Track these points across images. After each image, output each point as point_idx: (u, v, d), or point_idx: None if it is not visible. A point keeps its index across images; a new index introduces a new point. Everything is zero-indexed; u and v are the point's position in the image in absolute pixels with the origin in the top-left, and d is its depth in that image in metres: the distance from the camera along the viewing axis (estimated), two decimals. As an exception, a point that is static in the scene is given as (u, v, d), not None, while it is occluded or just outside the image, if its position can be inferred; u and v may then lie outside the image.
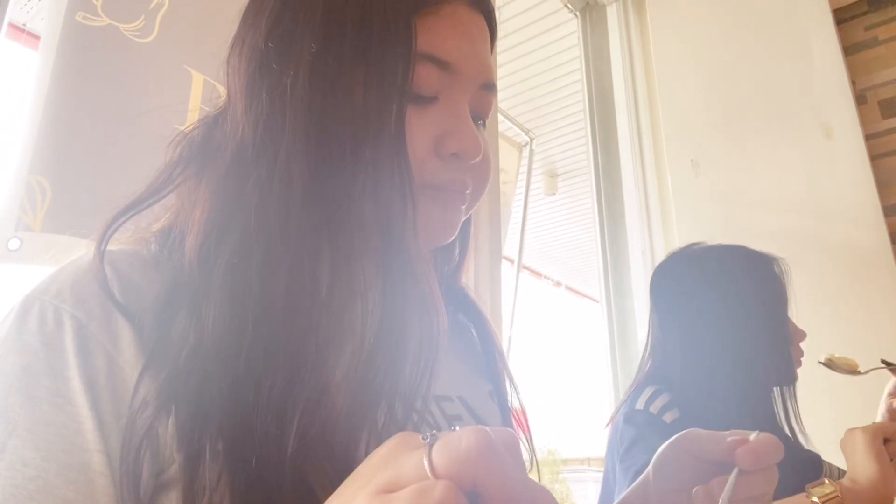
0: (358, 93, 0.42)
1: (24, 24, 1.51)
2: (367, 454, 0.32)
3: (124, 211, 0.44)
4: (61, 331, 0.36)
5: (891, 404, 0.96)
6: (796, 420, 1.06)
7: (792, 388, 1.06)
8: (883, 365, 0.98)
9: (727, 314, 1.05)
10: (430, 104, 0.45)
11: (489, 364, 0.59)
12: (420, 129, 0.44)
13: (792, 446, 1.03)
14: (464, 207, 0.48)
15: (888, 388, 0.99)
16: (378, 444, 0.31)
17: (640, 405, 1.02)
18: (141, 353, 0.37)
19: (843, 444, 0.83)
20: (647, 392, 1.04)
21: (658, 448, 0.83)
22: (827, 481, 0.76)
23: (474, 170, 0.48)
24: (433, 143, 0.45)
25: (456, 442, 0.23)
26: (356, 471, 0.27)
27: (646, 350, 1.16)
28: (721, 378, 1.01)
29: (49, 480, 0.33)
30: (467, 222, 0.55)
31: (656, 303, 1.15)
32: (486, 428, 0.23)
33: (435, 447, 0.23)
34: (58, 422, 0.35)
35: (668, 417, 0.99)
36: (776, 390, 1.06)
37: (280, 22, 0.44)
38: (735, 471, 0.42)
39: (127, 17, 0.93)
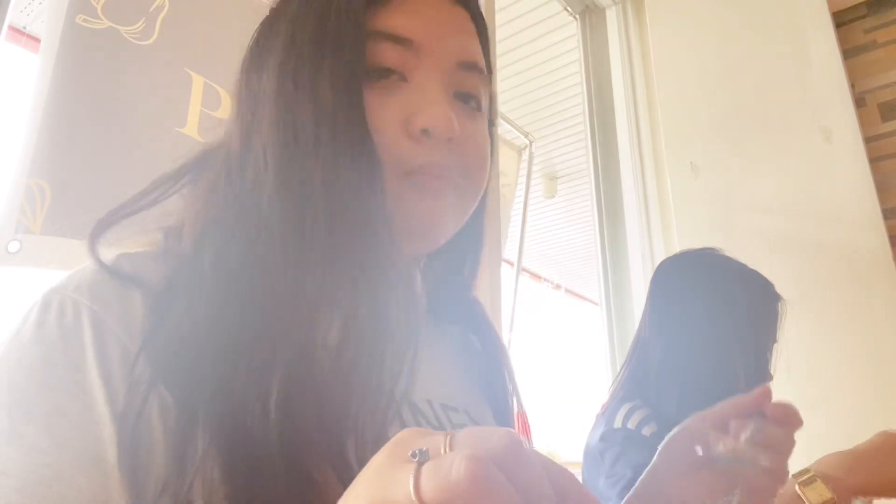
0: (317, 82, 0.43)
1: (25, 27, 1.51)
2: (353, 437, 0.35)
3: (115, 212, 0.46)
4: (79, 323, 0.37)
5: None
6: None
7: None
8: None
9: (718, 333, 1.03)
10: (397, 87, 0.45)
11: (494, 387, 0.58)
12: (386, 110, 0.44)
13: None
14: (452, 195, 0.46)
15: None
16: (361, 435, 0.35)
17: (617, 423, 1.01)
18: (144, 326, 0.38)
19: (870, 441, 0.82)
20: (624, 409, 1.03)
21: (639, 461, 0.84)
22: (818, 480, 0.75)
23: (459, 151, 0.45)
24: (402, 124, 0.44)
25: (446, 469, 0.21)
26: (351, 486, 0.26)
27: (632, 346, 1.15)
28: (695, 393, 1.00)
29: (63, 469, 0.33)
30: (475, 226, 0.53)
31: (655, 301, 1.13)
32: (485, 441, 0.22)
33: (424, 470, 0.22)
34: (74, 411, 0.35)
35: (646, 431, 0.99)
36: None
37: (260, 38, 0.49)
38: (756, 417, 0.42)
39: (127, 19, 0.93)
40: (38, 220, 0.80)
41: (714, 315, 1.04)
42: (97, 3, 0.91)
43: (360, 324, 0.39)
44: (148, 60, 0.94)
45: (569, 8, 2.32)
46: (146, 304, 0.40)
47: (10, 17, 0.89)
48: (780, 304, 1.08)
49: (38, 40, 0.89)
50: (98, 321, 0.38)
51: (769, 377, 1.06)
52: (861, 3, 1.92)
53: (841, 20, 1.91)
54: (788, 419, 0.47)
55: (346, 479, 0.34)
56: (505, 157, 2.37)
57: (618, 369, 1.92)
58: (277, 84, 0.44)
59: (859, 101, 1.83)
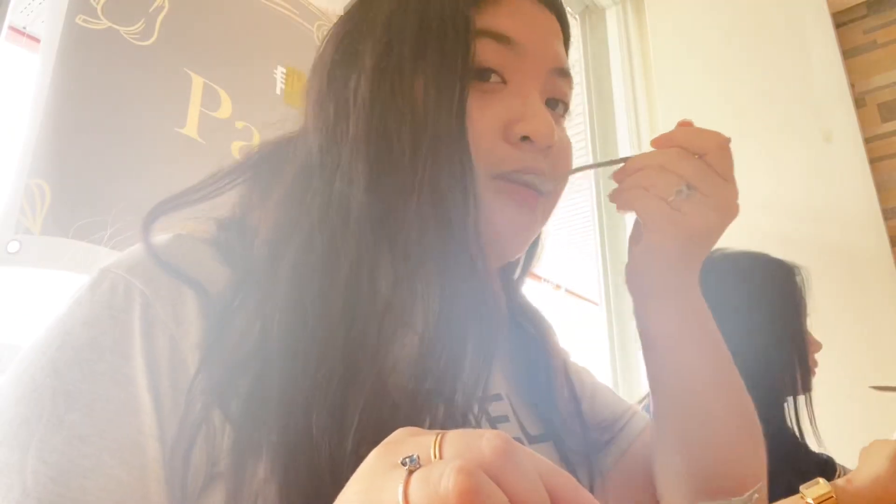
0: (418, 90, 0.42)
1: (25, 27, 1.51)
2: None
3: (167, 201, 0.44)
4: (130, 307, 0.37)
5: None
6: (811, 424, 1.06)
7: (808, 395, 1.06)
8: None
9: (747, 321, 1.04)
10: (496, 91, 0.44)
11: (545, 377, 0.56)
12: (487, 115, 0.43)
13: (801, 451, 1.03)
14: (538, 211, 0.46)
15: None
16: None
17: None
18: (204, 336, 0.37)
19: (864, 450, 0.82)
20: None
21: None
22: (821, 481, 0.75)
23: (551, 159, 0.46)
24: (502, 129, 0.44)
25: (436, 480, 0.20)
26: (345, 487, 0.25)
27: None
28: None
29: (103, 459, 0.33)
30: (536, 241, 0.53)
31: None
32: (475, 446, 0.21)
33: (414, 479, 0.21)
34: (117, 400, 0.34)
35: None
36: (790, 398, 1.07)
37: (345, 39, 0.47)
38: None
39: (127, 20, 0.93)
40: (38, 220, 0.80)
41: (739, 304, 1.06)
42: (97, 4, 0.91)
43: (440, 339, 0.38)
44: (147, 61, 0.94)
45: (569, 8, 2.32)
46: (203, 303, 0.38)
47: (10, 17, 0.89)
48: (797, 274, 1.09)
49: (38, 41, 0.89)
50: (148, 306, 0.37)
51: (817, 346, 1.08)
52: (861, 4, 1.92)
53: (841, 20, 1.91)
54: None
55: None
56: (505, 158, 2.37)
57: (617, 369, 1.93)
58: (372, 88, 0.43)
59: (859, 102, 1.83)
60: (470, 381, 0.38)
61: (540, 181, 0.45)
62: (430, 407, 0.37)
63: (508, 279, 0.56)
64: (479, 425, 0.41)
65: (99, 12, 0.91)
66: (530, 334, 0.57)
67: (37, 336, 0.37)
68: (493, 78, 0.44)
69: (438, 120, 0.41)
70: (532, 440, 0.50)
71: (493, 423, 0.47)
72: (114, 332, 0.36)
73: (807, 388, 1.06)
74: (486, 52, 0.44)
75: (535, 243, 0.55)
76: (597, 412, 0.59)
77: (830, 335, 1.54)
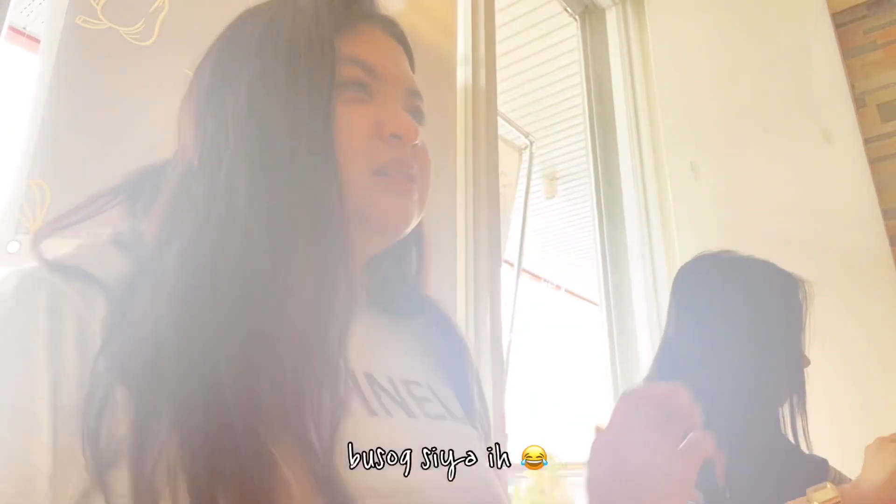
0: (291, 102, 0.48)
1: (25, 28, 1.51)
2: (311, 412, 0.38)
3: (53, 222, 0.49)
4: (38, 290, 0.40)
5: None
6: (804, 433, 1.06)
7: (802, 404, 1.07)
8: None
9: (747, 328, 1.04)
10: (364, 101, 0.51)
11: (455, 370, 0.62)
12: (359, 118, 0.50)
13: (797, 455, 1.03)
14: (416, 197, 0.53)
15: None
16: (318, 410, 0.39)
17: None
18: (106, 319, 0.40)
19: (868, 449, 0.82)
20: None
21: None
22: (829, 485, 0.76)
23: (416, 155, 0.53)
24: (374, 129, 0.51)
25: None
26: None
27: (659, 350, 1.16)
28: (729, 389, 1.01)
29: None
30: (419, 229, 0.59)
31: (678, 301, 1.15)
32: None
33: None
34: (13, 369, 0.37)
35: None
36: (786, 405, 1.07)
37: (221, 62, 0.52)
38: None
39: (127, 20, 0.94)
40: (38, 220, 0.80)
41: (741, 310, 1.06)
42: (97, 4, 0.91)
43: (310, 307, 0.43)
44: (147, 61, 0.94)
45: (569, 8, 2.32)
46: (107, 297, 0.41)
47: (10, 17, 0.89)
48: (801, 290, 1.09)
49: (37, 41, 0.89)
50: (57, 292, 0.40)
51: (807, 361, 1.07)
52: (861, 4, 1.92)
53: (841, 21, 1.91)
54: None
55: (307, 452, 0.37)
56: (505, 158, 2.37)
57: (617, 370, 1.93)
58: (249, 102, 0.48)
59: (859, 102, 1.83)
60: (334, 348, 0.43)
61: (413, 173, 0.53)
62: (307, 371, 0.41)
63: (405, 273, 0.62)
64: (386, 400, 0.49)
65: (99, 13, 0.91)
66: (441, 330, 0.63)
67: None
68: (360, 90, 0.51)
69: (312, 127, 0.47)
70: (456, 420, 0.56)
71: (420, 402, 0.52)
72: (17, 311, 0.39)
73: (801, 403, 1.06)
74: (351, 73, 0.51)
75: (418, 239, 0.61)
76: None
77: (830, 335, 1.54)
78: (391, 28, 0.57)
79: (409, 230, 0.54)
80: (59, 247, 0.46)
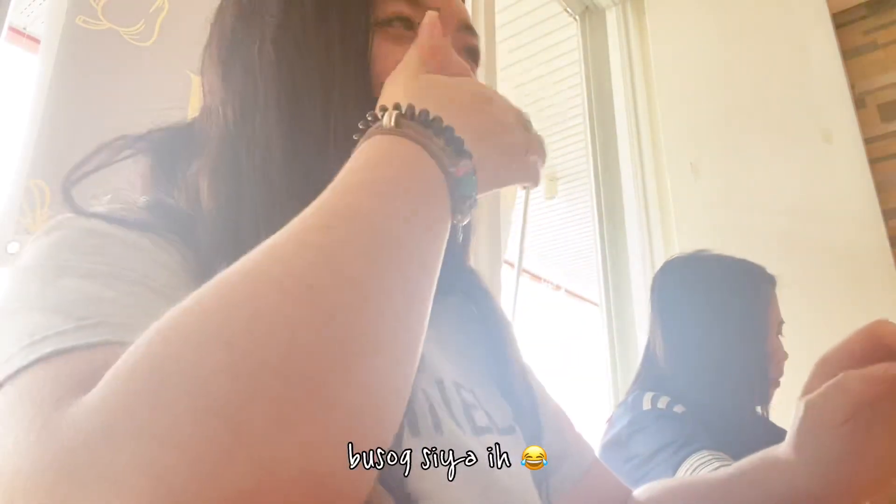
0: (323, 44, 0.43)
1: (25, 28, 1.51)
2: None
3: (78, 167, 0.45)
4: (114, 230, 0.37)
5: None
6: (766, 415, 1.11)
7: (766, 406, 1.10)
8: None
9: (714, 324, 1.09)
10: (404, 35, 0.45)
11: (496, 356, 0.55)
12: (398, 56, 0.43)
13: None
14: None
15: None
16: None
17: (646, 406, 1.04)
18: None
19: None
20: (648, 395, 1.06)
21: (679, 434, 0.86)
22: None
23: None
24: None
25: None
26: None
27: (645, 348, 1.19)
28: (708, 379, 1.05)
29: (116, 287, 0.33)
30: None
31: (655, 303, 1.19)
32: None
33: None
34: (132, 255, 0.36)
35: (678, 409, 1.02)
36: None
37: (241, 6, 0.47)
38: None
39: (127, 20, 0.93)
40: (38, 220, 0.80)
41: (710, 306, 1.10)
42: (97, 5, 0.91)
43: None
44: (147, 62, 0.94)
45: (569, 9, 2.32)
46: (182, 249, 0.38)
47: (10, 17, 0.89)
48: (771, 285, 1.13)
49: (37, 41, 0.89)
50: (128, 232, 0.37)
51: (782, 355, 1.10)
52: (861, 4, 1.92)
53: (841, 21, 1.91)
54: None
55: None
56: (505, 158, 2.37)
57: (617, 370, 1.93)
58: (277, 49, 0.43)
59: (859, 102, 1.83)
60: None
61: None
62: None
63: (450, 240, 0.56)
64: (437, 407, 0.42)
65: (99, 13, 0.91)
66: (483, 311, 0.56)
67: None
68: (405, 27, 0.45)
69: (346, 74, 0.42)
70: (502, 433, 0.49)
71: (468, 410, 0.46)
72: (111, 235, 0.37)
73: (764, 399, 1.09)
74: (393, 6, 0.45)
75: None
76: (548, 417, 0.57)
77: (830, 335, 1.54)
78: None
79: None
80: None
